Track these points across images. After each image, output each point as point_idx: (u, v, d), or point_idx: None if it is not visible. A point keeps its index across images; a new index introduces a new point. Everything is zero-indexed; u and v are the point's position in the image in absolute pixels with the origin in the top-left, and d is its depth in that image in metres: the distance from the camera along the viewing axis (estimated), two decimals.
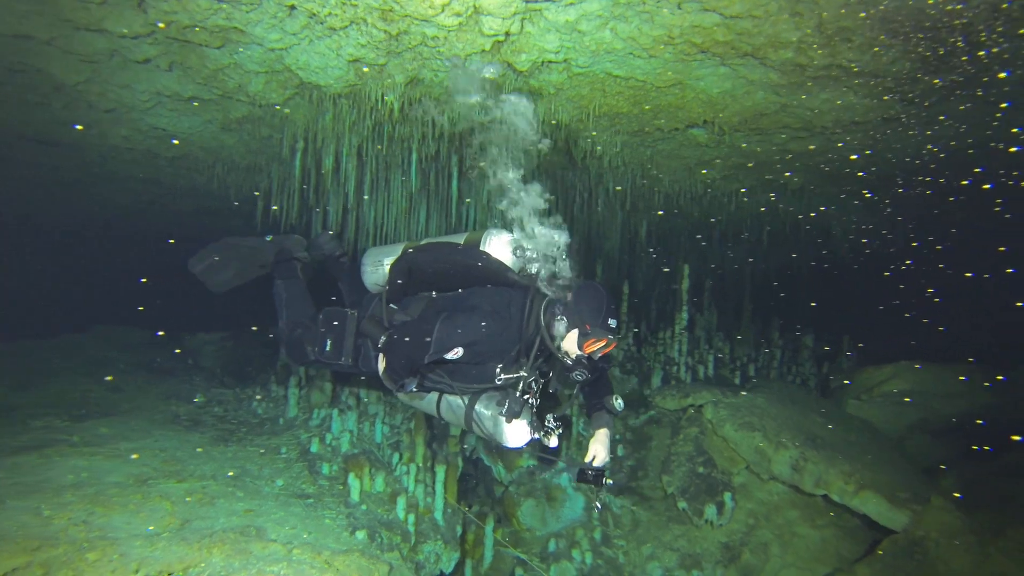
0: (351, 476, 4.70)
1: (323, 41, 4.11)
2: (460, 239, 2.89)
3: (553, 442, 2.69)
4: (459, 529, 4.98)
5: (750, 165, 5.89)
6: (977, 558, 3.71)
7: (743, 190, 6.54)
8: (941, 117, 4.65)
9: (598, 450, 2.88)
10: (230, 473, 4.76)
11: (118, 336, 9.04)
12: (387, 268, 3.04)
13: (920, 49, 3.60)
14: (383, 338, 2.74)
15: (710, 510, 5.28)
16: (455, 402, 2.89)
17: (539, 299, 2.66)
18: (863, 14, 3.31)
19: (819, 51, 3.71)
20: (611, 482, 2.85)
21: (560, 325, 2.58)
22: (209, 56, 4.22)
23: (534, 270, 2.69)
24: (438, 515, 4.87)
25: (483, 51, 3.97)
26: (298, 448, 5.56)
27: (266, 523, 4.09)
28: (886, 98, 4.23)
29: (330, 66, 4.39)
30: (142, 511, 3.61)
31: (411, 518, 4.65)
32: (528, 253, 2.71)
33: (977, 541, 3.78)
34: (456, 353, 2.51)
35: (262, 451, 5.41)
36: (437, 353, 2.51)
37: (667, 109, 4.70)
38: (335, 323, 3.11)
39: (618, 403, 3.01)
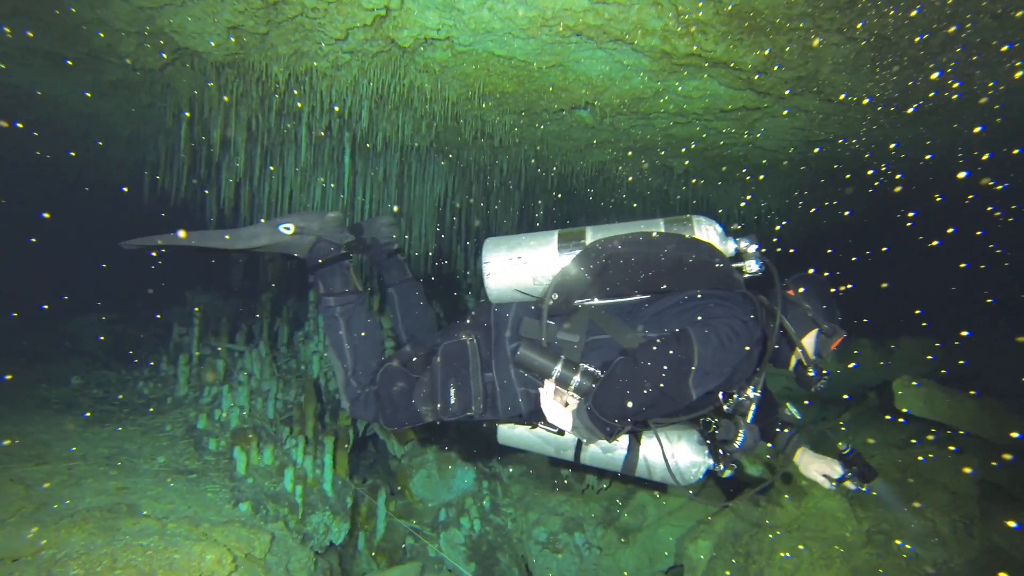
0: (237, 450, 4.65)
1: (197, 4, 3.98)
2: (656, 226, 2.16)
3: (729, 472, 2.19)
4: (349, 501, 5.04)
5: (636, 148, 6.22)
6: (800, 493, 4.27)
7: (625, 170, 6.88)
8: (797, 113, 5.12)
9: (823, 468, 2.30)
10: (104, 453, 4.59)
11: None
12: (528, 266, 2.21)
13: (768, 44, 3.95)
14: (558, 369, 1.98)
15: (591, 476, 5.63)
16: (612, 444, 2.22)
17: (761, 302, 2.11)
18: (713, 9, 3.60)
19: (681, 40, 3.99)
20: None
21: (799, 329, 2.18)
22: (65, 7, 3.98)
23: (752, 267, 2.14)
24: (327, 487, 4.91)
25: (364, 25, 3.99)
26: (184, 425, 5.41)
27: (140, 500, 4.00)
28: (745, 91, 4.61)
29: (208, 31, 4.26)
30: None
31: (299, 490, 4.66)
32: (750, 247, 2.14)
33: (808, 484, 4.33)
34: (717, 380, 1.93)
35: (144, 430, 5.23)
36: (705, 383, 1.87)
37: (552, 90, 4.89)
38: (457, 362, 2.25)
39: (795, 411, 2.45)
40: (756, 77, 4.37)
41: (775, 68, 4.23)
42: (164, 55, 4.73)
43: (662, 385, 1.84)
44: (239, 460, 4.67)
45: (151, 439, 5.08)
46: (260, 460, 4.85)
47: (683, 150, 6.29)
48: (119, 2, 3.89)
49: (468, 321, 2.39)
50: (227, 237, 2.43)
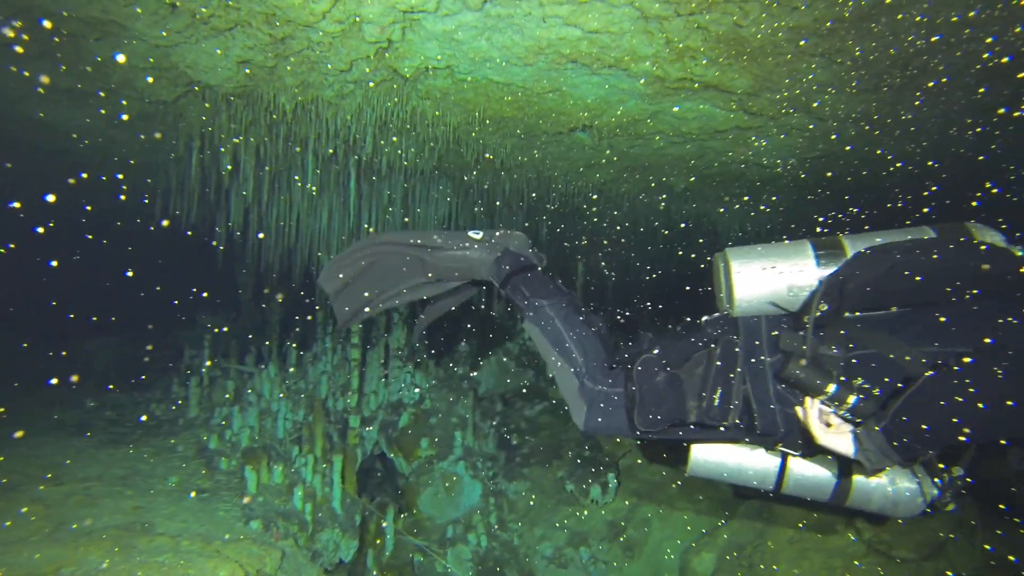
0: (247, 469, 4.76)
1: (209, 41, 4.18)
2: (925, 234, 1.99)
3: (953, 507, 1.96)
4: (358, 518, 5.12)
5: (634, 167, 6.37)
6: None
7: (629, 190, 7.02)
8: (789, 131, 5.25)
9: None
10: (118, 473, 4.71)
11: None
12: (784, 276, 2.05)
13: (756, 67, 4.10)
14: (832, 387, 1.81)
15: (595, 491, 5.70)
16: (816, 468, 2.03)
17: None
18: (702, 37, 3.76)
19: (672, 65, 4.15)
20: None
21: None
22: (88, 47, 4.19)
23: None
24: (336, 504, 4.99)
25: (367, 57, 4.17)
26: (196, 446, 5.53)
27: (155, 518, 4.11)
28: (737, 112, 4.75)
29: (219, 66, 4.45)
30: (4, 519, 3.57)
31: (308, 507, 4.76)
32: None
33: None
34: None
35: (156, 451, 5.35)
36: None
37: (550, 114, 5.05)
38: (727, 364, 2.05)
39: None
40: (746, 99, 4.52)
41: (764, 90, 4.37)
42: (177, 88, 4.94)
43: (1003, 403, 1.61)
44: (250, 479, 4.78)
45: (164, 459, 5.21)
46: (270, 479, 4.95)
47: (680, 169, 6.43)
48: (137, 41, 4.09)
49: (712, 332, 2.20)
50: (416, 240, 2.35)
